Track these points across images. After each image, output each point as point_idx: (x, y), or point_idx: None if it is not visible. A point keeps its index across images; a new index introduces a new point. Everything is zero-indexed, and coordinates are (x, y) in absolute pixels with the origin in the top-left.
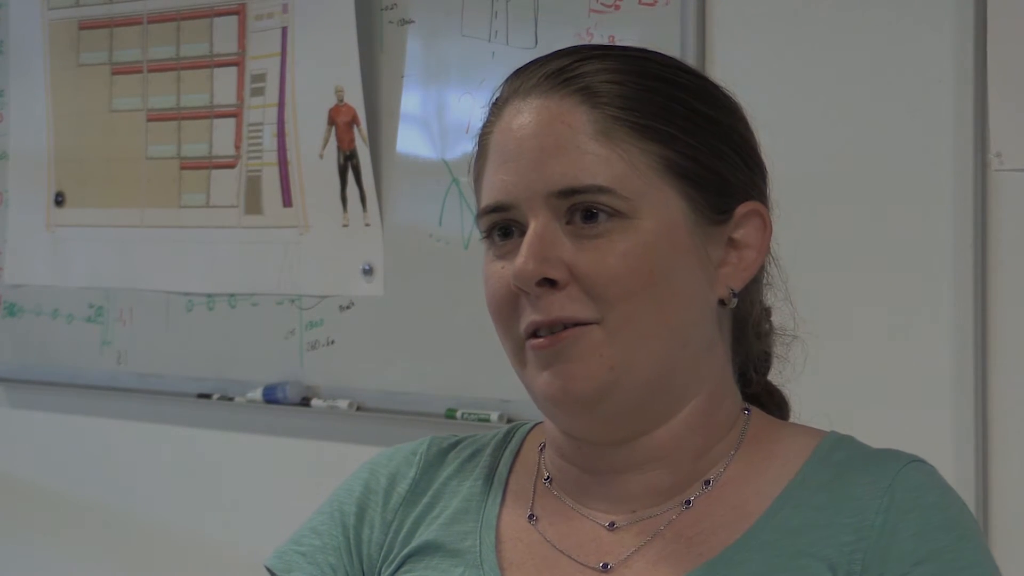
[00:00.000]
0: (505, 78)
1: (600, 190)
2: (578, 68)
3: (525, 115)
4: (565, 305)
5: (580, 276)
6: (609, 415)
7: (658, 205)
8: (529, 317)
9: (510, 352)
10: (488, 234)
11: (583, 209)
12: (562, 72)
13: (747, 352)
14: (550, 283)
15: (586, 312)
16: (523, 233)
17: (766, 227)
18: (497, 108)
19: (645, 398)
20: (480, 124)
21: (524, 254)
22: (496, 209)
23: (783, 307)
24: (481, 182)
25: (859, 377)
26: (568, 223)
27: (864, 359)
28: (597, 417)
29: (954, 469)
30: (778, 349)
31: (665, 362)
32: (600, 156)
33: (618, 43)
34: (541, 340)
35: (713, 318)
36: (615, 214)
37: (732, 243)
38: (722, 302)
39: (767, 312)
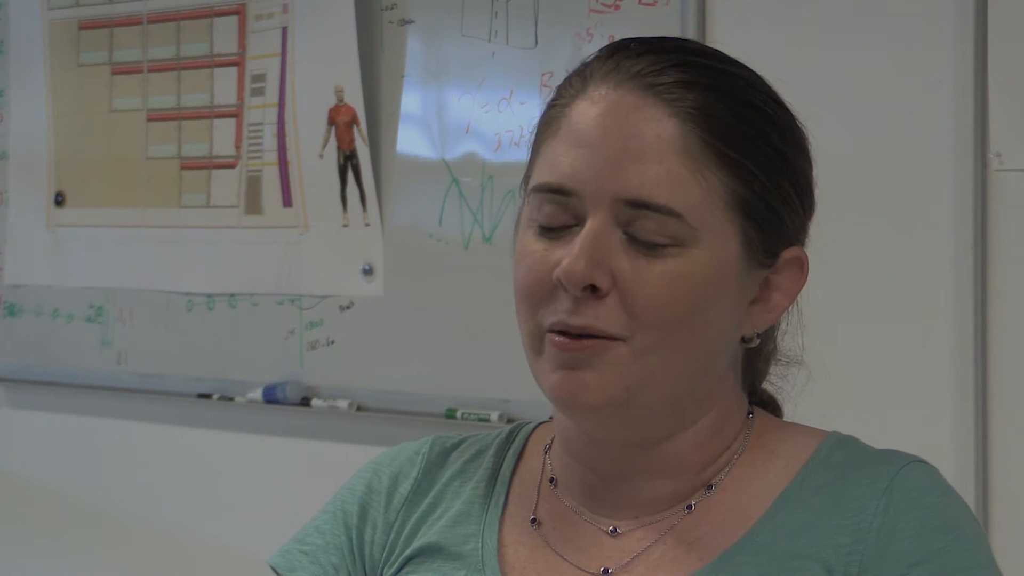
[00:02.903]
0: (600, 49)
1: (671, 213)
2: (679, 74)
3: (614, 106)
4: (600, 315)
5: (623, 289)
6: (616, 422)
7: (718, 240)
8: (559, 315)
9: (526, 336)
10: (537, 208)
11: (645, 225)
12: (662, 74)
13: (755, 376)
14: (593, 288)
15: (617, 328)
16: (575, 219)
17: (802, 275)
18: (582, 82)
19: (654, 416)
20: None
21: (578, 254)
22: (556, 190)
23: (792, 331)
24: (540, 152)
25: (859, 377)
26: (625, 231)
27: (864, 359)
28: (603, 422)
29: (954, 469)
30: (778, 369)
31: (681, 387)
32: (680, 177)
33: None
34: (565, 340)
35: (733, 349)
36: (675, 239)
37: (767, 283)
38: (743, 339)
39: (772, 334)
